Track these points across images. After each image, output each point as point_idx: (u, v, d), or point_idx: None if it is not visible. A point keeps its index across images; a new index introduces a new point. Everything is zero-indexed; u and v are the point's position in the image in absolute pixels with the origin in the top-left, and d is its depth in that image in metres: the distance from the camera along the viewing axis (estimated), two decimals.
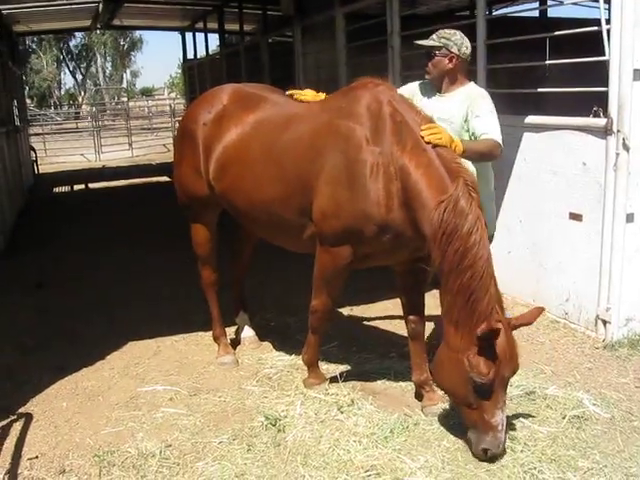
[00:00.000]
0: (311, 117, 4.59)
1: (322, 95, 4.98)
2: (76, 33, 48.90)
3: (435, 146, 3.96)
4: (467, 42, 4.74)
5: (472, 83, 4.92)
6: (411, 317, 4.63)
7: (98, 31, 42.45)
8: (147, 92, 66.84)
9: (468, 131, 4.65)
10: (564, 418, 4.28)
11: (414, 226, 4.02)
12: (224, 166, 4.93)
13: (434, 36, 4.76)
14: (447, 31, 4.76)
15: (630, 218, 5.39)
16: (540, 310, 3.91)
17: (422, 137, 3.98)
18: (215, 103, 5.14)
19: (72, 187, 17.49)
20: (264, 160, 4.68)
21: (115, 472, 3.94)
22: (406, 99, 4.33)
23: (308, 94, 5.01)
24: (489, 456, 3.83)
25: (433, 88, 4.90)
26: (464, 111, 4.65)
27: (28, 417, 4.65)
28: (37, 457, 4.16)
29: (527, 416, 4.33)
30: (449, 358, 3.83)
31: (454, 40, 4.68)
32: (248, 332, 5.80)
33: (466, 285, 3.68)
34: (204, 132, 5.07)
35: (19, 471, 4.00)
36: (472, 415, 3.85)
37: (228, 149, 4.91)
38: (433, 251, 3.82)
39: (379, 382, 4.92)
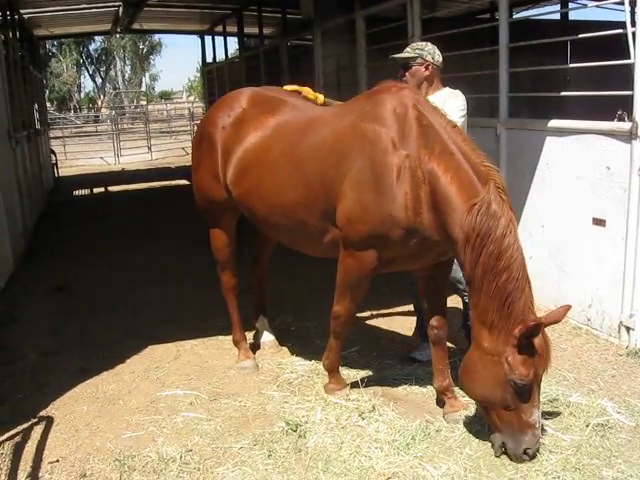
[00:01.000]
0: (334, 120, 4.55)
1: (320, 95, 5.25)
2: (96, 37, 49.30)
3: (463, 148, 3.96)
4: (438, 51, 5.02)
5: (447, 88, 5.06)
6: (433, 322, 4.59)
7: (118, 35, 42.90)
8: (166, 95, 67.18)
9: None
10: (588, 426, 4.23)
11: (442, 230, 3.99)
12: (244, 170, 4.90)
13: (408, 49, 5.02)
14: (419, 43, 5.17)
15: None
16: (567, 308, 3.88)
17: (449, 140, 3.98)
18: (234, 106, 5.12)
19: (92, 190, 17.58)
20: (285, 164, 4.65)
21: (136, 477, 3.94)
22: (430, 103, 4.29)
23: (308, 92, 5.20)
24: (530, 455, 3.83)
25: None
26: None
27: (49, 420, 4.66)
28: (58, 461, 4.16)
29: (550, 424, 4.28)
30: (484, 361, 3.80)
31: (427, 50, 4.98)
32: (268, 336, 5.78)
33: (502, 287, 3.68)
34: (223, 136, 5.06)
35: (40, 475, 4.01)
36: (507, 417, 3.82)
37: (248, 153, 4.89)
38: (465, 255, 3.80)
39: (400, 388, 4.89)
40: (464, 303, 5.34)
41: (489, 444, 4.08)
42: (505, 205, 3.78)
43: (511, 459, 3.89)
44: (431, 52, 4.97)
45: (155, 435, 4.41)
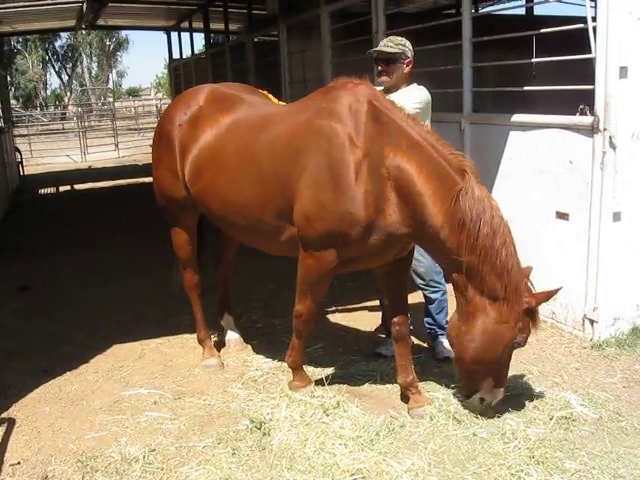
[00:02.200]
0: (288, 117, 4.52)
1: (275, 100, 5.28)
2: (61, 33, 48.78)
3: (429, 140, 4.03)
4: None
5: (414, 84, 5.05)
6: (395, 319, 4.59)
7: (83, 31, 42.41)
8: (134, 92, 66.66)
9: None
10: (551, 419, 4.26)
11: (416, 223, 4.04)
12: (199, 168, 4.86)
13: (390, 43, 4.90)
14: (399, 38, 4.99)
15: (617, 217, 5.37)
16: (557, 290, 4.22)
17: (415, 134, 4.03)
18: (191, 104, 5.07)
19: (58, 188, 17.36)
20: (240, 162, 4.60)
21: (98, 477, 3.90)
22: (386, 98, 4.30)
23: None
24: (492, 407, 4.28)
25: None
26: None
27: (11, 422, 4.59)
28: (19, 463, 4.10)
29: (514, 417, 4.30)
30: (497, 329, 4.03)
31: (408, 46, 4.96)
32: (233, 334, 5.74)
33: (504, 263, 3.94)
34: (180, 133, 5.01)
35: (1, 477, 3.94)
36: (495, 375, 4.19)
37: (203, 151, 4.84)
38: (461, 241, 3.94)
39: (365, 384, 4.88)
40: (425, 297, 5.35)
41: (453, 439, 4.11)
42: (484, 188, 4.01)
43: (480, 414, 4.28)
44: (410, 48, 4.95)
45: (118, 435, 4.36)
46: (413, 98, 4.82)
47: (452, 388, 4.67)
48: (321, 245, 4.22)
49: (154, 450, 4.13)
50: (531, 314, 4.11)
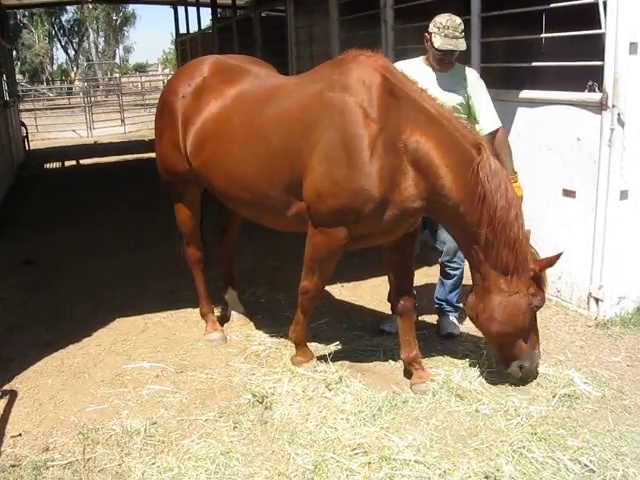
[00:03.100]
0: (298, 90, 4.41)
1: None
2: (68, 8, 48.51)
3: (445, 115, 4.03)
4: None
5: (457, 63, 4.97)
6: (400, 294, 4.57)
7: (90, 5, 42.18)
8: (141, 68, 66.33)
9: (469, 115, 4.87)
10: (554, 397, 4.25)
11: (432, 198, 4.05)
12: (202, 141, 4.77)
13: (457, 33, 4.67)
14: (456, 20, 4.68)
15: (624, 195, 5.32)
16: (559, 256, 4.25)
17: (432, 108, 4.02)
18: (195, 75, 4.97)
19: (63, 163, 17.33)
20: (246, 135, 4.50)
21: (99, 450, 3.90)
22: (399, 71, 4.21)
23: None
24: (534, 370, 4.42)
25: (426, 66, 4.90)
26: (464, 91, 4.87)
27: (12, 394, 4.59)
28: (20, 435, 4.10)
29: (518, 394, 4.29)
30: (511, 300, 4.13)
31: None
32: (237, 309, 5.73)
33: (516, 235, 4.03)
34: (183, 105, 4.91)
35: (2, 449, 3.95)
36: (524, 341, 4.27)
37: (207, 123, 4.75)
38: (480, 213, 3.99)
39: (368, 359, 4.87)
40: (445, 273, 5.30)
41: (456, 415, 4.10)
42: (498, 162, 4.09)
43: (521, 380, 4.39)
44: None
45: (120, 408, 4.36)
46: (481, 84, 4.91)
47: (455, 364, 4.67)
48: (332, 222, 4.16)
49: (155, 423, 4.13)
50: (537, 277, 4.21)
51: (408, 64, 4.87)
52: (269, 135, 4.38)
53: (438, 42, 4.65)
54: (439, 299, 5.36)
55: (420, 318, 5.34)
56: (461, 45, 4.69)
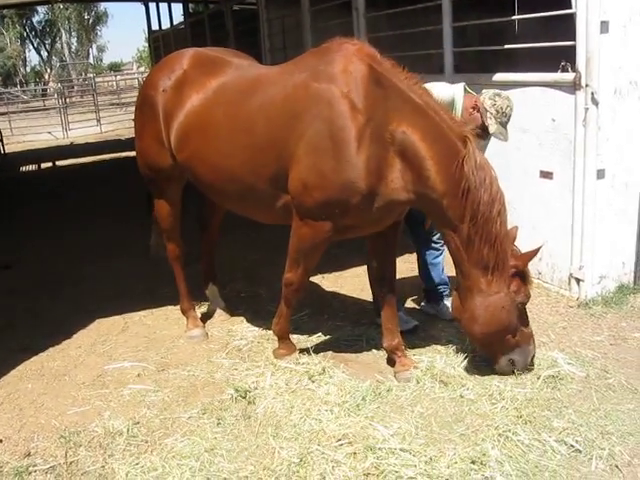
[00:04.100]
0: (282, 80, 4.32)
1: None
2: (38, 8, 48.02)
3: (432, 105, 3.97)
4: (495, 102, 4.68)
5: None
6: (382, 282, 4.54)
7: (61, 5, 41.76)
8: (115, 67, 65.92)
9: None
10: (539, 378, 4.25)
11: (419, 187, 3.99)
12: (186, 134, 4.70)
13: (509, 121, 4.72)
14: (504, 104, 4.65)
15: (601, 174, 5.32)
16: (540, 247, 4.29)
17: (419, 99, 3.95)
18: (175, 68, 4.89)
19: (39, 165, 17.14)
20: (230, 126, 4.44)
21: (81, 452, 3.85)
22: (387, 59, 4.11)
23: None
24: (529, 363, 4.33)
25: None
26: None
27: None
28: (1, 441, 4.04)
29: (502, 378, 4.28)
30: (493, 300, 4.07)
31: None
32: (218, 304, 5.69)
33: (498, 231, 3.98)
34: (164, 99, 4.84)
35: None
36: (515, 337, 4.20)
37: (190, 116, 4.68)
38: (464, 207, 3.93)
39: (351, 349, 4.85)
40: (435, 255, 5.29)
41: (440, 401, 4.10)
42: (484, 156, 4.03)
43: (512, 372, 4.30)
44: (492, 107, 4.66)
45: (101, 409, 4.31)
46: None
47: (438, 351, 4.65)
48: (318, 214, 4.11)
49: (138, 423, 4.09)
50: (521, 274, 4.17)
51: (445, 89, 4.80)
52: (254, 126, 4.31)
53: (492, 128, 4.63)
54: (439, 283, 5.34)
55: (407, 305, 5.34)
56: (508, 137, 4.72)
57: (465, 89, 4.80)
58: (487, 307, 4.07)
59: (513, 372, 4.29)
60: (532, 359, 4.35)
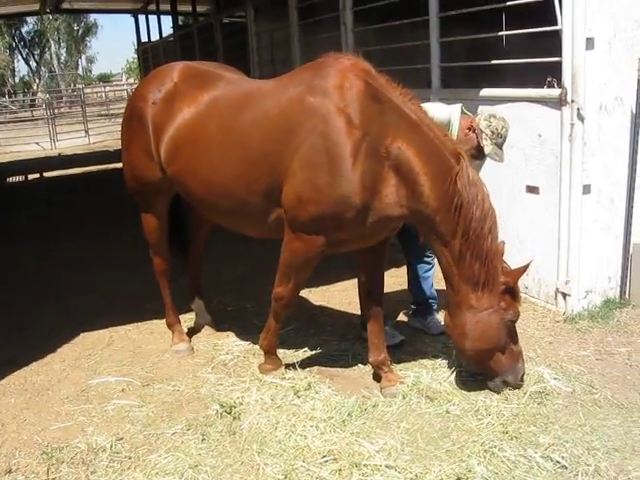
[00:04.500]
0: (277, 93, 4.29)
1: None
2: (28, 19, 48.00)
3: (426, 122, 3.99)
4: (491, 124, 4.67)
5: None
6: (370, 297, 4.53)
7: (50, 16, 41.74)
8: (105, 78, 65.89)
9: None
10: (525, 394, 4.24)
11: (413, 203, 4.00)
12: (177, 148, 4.65)
13: (504, 142, 4.73)
14: (499, 127, 4.65)
15: (587, 189, 5.35)
16: (529, 263, 4.31)
17: (414, 115, 3.97)
18: (165, 81, 4.85)
19: (26, 177, 17.07)
20: (223, 140, 4.40)
21: (64, 469, 3.80)
22: (383, 75, 4.12)
23: None
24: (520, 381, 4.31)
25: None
26: None
27: None
28: None
29: (488, 393, 4.27)
30: (483, 317, 4.08)
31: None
32: (204, 318, 5.66)
33: (489, 248, 4.00)
34: (154, 111, 4.79)
35: None
36: (505, 356, 4.21)
37: (181, 129, 4.63)
38: (456, 223, 3.94)
39: (337, 364, 4.83)
40: (425, 264, 5.31)
41: (426, 417, 4.08)
42: (477, 174, 4.03)
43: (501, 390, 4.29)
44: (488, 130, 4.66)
45: (85, 425, 4.26)
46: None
47: (425, 366, 4.65)
48: (312, 228, 4.10)
49: (122, 439, 4.04)
50: (510, 291, 4.17)
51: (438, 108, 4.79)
52: (248, 140, 4.29)
53: (488, 149, 4.64)
54: (429, 297, 5.35)
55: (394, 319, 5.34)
56: (503, 157, 4.73)
57: (462, 110, 4.80)
58: (477, 323, 4.07)
59: (505, 389, 4.29)
60: (522, 377, 4.33)
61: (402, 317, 5.59)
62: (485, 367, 4.27)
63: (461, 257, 4.00)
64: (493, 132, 4.60)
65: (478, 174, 4.08)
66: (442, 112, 4.70)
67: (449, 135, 4.17)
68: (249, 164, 4.27)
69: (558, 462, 3.58)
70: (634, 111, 5.35)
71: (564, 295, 5.55)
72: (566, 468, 3.54)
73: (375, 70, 4.13)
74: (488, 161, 5.65)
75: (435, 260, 5.20)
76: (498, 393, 4.27)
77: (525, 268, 4.23)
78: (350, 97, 3.94)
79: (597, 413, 4.07)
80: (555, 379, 4.42)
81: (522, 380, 4.33)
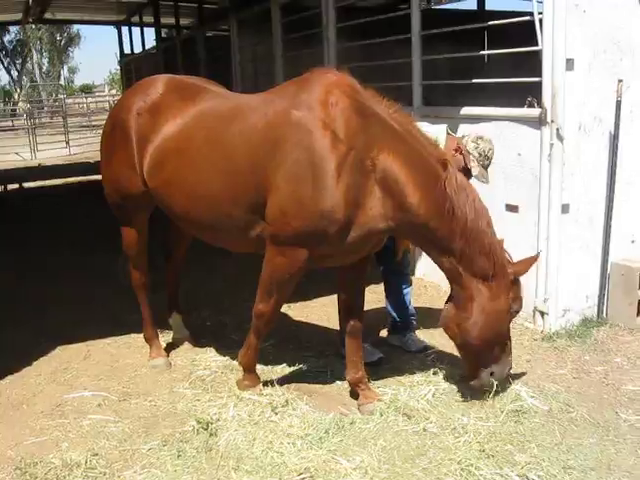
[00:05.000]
0: (263, 107, 4.29)
1: None
2: (10, 28, 47.74)
3: (413, 133, 4.06)
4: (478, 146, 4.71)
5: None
6: (349, 314, 4.53)
7: (33, 26, 41.58)
8: (87, 89, 65.63)
9: None
10: (502, 412, 4.24)
11: (400, 216, 4.02)
12: (161, 160, 4.62)
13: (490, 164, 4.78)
14: (486, 148, 4.71)
15: (565, 209, 5.40)
16: (538, 255, 4.54)
17: (399, 126, 4.02)
18: (150, 92, 4.82)
19: (5, 187, 16.91)
20: (209, 153, 4.38)
21: None
22: (368, 89, 4.14)
23: None
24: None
25: None
26: None
27: None
28: None
29: (465, 411, 4.27)
30: (494, 306, 4.17)
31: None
32: (182, 333, 5.63)
33: (490, 242, 4.11)
34: (138, 123, 4.75)
35: None
36: (499, 347, 4.31)
37: (167, 141, 4.61)
38: (452, 227, 4.01)
39: (315, 381, 4.82)
40: (406, 285, 5.35)
41: (403, 434, 4.07)
42: (463, 176, 4.17)
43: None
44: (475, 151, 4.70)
45: (60, 440, 4.22)
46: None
47: (402, 383, 4.64)
48: (295, 242, 4.08)
49: (97, 454, 4.00)
50: (516, 282, 4.28)
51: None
52: (234, 152, 4.27)
53: (475, 171, 4.69)
54: (407, 314, 5.36)
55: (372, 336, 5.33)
56: (489, 179, 4.79)
57: (447, 130, 4.83)
58: (490, 312, 4.17)
59: (490, 386, 4.33)
60: (509, 370, 4.44)
61: (381, 334, 5.58)
62: (480, 358, 4.30)
63: (464, 256, 4.07)
64: (480, 154, 4.64)
65: (464, 176, 4.18)
66: (428, 131, 4.72)
67: (435, 144, 4.22)
68: (234, 177, 4.26)
69: None
70: (612, 132, 5.41)
71: (542, 313, 5.59)
72: None
73: (360, 84, 4.15)
74: (471, 180, 5.69)
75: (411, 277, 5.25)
76: (480, 393, 4.34)
77: (535, 258, 4.39)
78: (335, 112, 3.95)
79: (573, 431, 4.09)
80: (532, 397, 4.44)
81: (508, 374, 4.46)
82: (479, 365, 4.33)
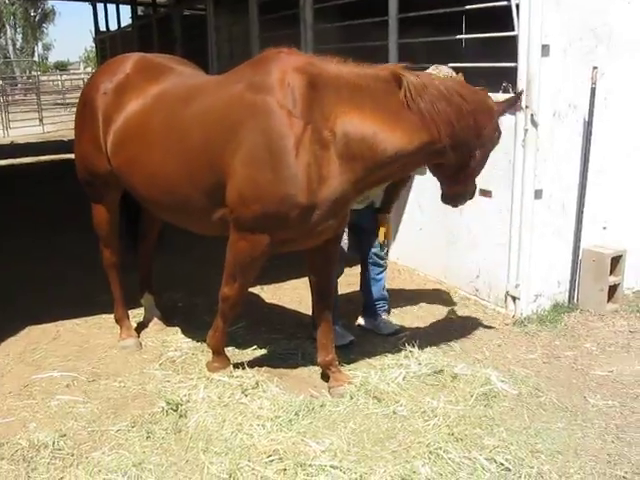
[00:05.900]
0: (219, 89, 4.27)
1: None
2: None
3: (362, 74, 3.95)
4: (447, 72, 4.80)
5: None
6: (320, 297, 4.52)
7: (7, 1, 40.86)
8: (62, 66, 64.79)
9: None
10: (472, 396, 4.25)
11: (366, 174, 3.96)
12: (122, 140, 4.60)
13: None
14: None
15: (538, 194, 5.42)
16: (521, 93, 4.58)
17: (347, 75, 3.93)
18: (118, 72, 4.80)
19: None
20: (167, 134, 4.36)
21: (3, 466, 3.70)
22: (320, 58, 4.08)
23: None
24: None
25: None
26: None
27: None
28: None
29: (434, 395, 4.28)
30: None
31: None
32: (153, 313, 5.59)
33: (469, 106, 3.94)
34: (104, 102, 4.74)
35: None
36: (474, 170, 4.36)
37: (127, 121, 4.59)
38: (428, 130, 3.87)
39: (286, 363, 4.81)
40: (378, 271, 5.36)
41: (373, 417, 4.07)
42: (419, 75, 4.00)
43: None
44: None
45: (27, 421, 4.17)
46: None
47: (373, 366, 4.66)
48: (256, 227, 4.03)
49: (64, 435, 3.96)
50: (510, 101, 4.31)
51: None
52: (191, 134, 4.23)
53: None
54: (379, 299, 5.38)
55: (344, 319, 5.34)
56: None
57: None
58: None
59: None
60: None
61: (353, 317, 5.59)
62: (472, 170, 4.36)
63: (458, 140, 3.96)
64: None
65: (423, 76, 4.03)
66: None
67: (384, 66, 4.12)
68: (191, 159, 4.21)
69: (502, 464, 3.59)
70: (587, 118, 5.43)
71: (514, 298, 5.62)
72: (509, 470, 3.56)
73: (313, 58, 4.14)
74: None
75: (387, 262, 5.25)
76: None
77: (515, 98, 4.41)
78: (289, 91, 3.88)
79: (542, 416, 4.12)
80: (502, 382, 4.45)
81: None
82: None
